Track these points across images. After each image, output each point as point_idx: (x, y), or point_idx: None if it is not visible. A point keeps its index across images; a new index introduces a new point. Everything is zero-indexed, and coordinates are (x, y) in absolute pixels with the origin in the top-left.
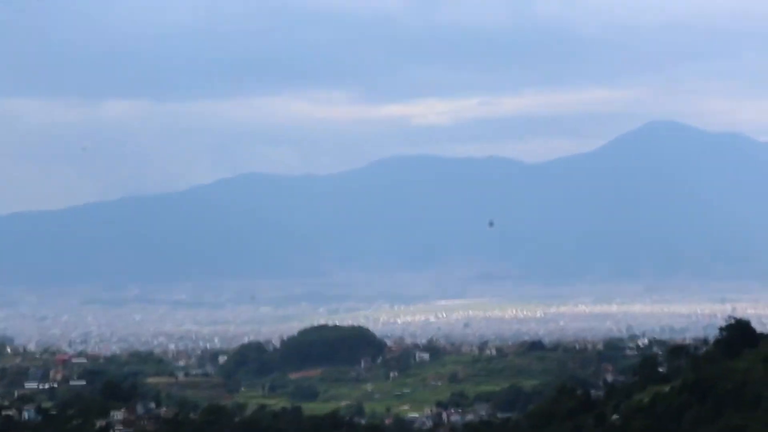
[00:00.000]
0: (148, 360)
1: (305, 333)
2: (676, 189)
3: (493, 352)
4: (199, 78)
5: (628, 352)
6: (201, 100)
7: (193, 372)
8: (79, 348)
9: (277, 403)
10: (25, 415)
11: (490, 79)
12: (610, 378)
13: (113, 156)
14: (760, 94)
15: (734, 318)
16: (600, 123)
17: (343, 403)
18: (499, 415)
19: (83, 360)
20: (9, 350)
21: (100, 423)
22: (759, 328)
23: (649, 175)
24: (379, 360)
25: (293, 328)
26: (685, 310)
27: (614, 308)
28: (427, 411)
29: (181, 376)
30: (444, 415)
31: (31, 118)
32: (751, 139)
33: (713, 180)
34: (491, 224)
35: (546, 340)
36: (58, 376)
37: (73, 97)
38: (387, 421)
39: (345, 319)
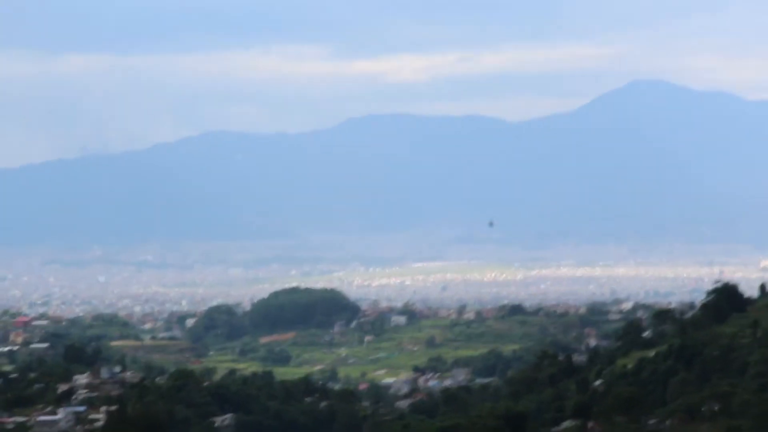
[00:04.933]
0: (113, 323)
1: (277, 296)
2: (661, 149)
3: (472, 316)
4: (163, 31)
5: (612, 316)
6: (164, 54)
7: (160, 335)
8: (41, 310)
9: (247, 368)
10: None
11: (469, 35)
12: (593, 343)
13: (72, 113)
14: (747, 51)
15: (721, 282)
16: (582, 81)
17: (317, 368)
18: (478, 380)
19: (45, 322)
20: None
21: (62, 387)
22: (747, 292)
23: (633, 135)
24: (354, 324)
25: (264, 290)
26: (671, 273)
27: (598, 271)
28: (404, 376)
29: (147, 339)
30: (421, 381)
31: None
32: (739, 98)
33: (700, 140)
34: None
35: (527, 304)
36: (19, 339)
37: (30, 50)
38: (362, 387)
39: (318, 281)
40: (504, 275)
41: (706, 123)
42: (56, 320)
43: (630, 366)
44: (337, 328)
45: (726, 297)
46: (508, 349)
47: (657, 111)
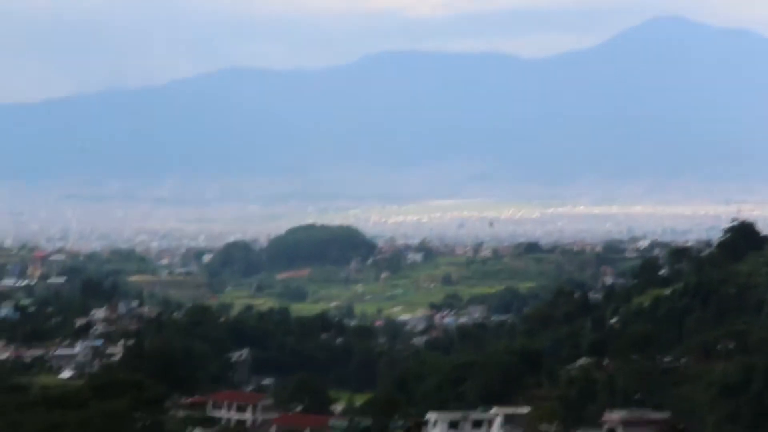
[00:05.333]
0: (130, 258)
1: (293, 232)
2: (679, 87)
3: (488, 253)
4: None
5: (628, 254)
6: None
7: (177, 271)
8: (58, 244)
9: (263, 304)
10: (3, 312)
11: None
12: (609, 281)
13: (91, 48)
14: None
15: (738, 220)
16: (601, 18)
17: (333, 304)
18: (494, 317)
19: (62, 257)
20: None
21: (80, 321)
22: (764, 230)
23: (651, 72)
24: (370, 261)
25: (281, 227)
26: (688, 211)
27: (614, 209)
28: (420, 313)
29: (164, 275)
30: (437, 317)
31: (3, 4)
32: (760, 36)
33: (719, 78)
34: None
35: (543, 242)
36: (36, 273)
37: None
38: (378, 323)
39: (334, 218)
40: (521, 213)
41: (726, 60)
42: (74, 255)
43: (646, 304)
44: (353, 265)
45: (743, 235)
46: (524, 286)
47: (675, 48)
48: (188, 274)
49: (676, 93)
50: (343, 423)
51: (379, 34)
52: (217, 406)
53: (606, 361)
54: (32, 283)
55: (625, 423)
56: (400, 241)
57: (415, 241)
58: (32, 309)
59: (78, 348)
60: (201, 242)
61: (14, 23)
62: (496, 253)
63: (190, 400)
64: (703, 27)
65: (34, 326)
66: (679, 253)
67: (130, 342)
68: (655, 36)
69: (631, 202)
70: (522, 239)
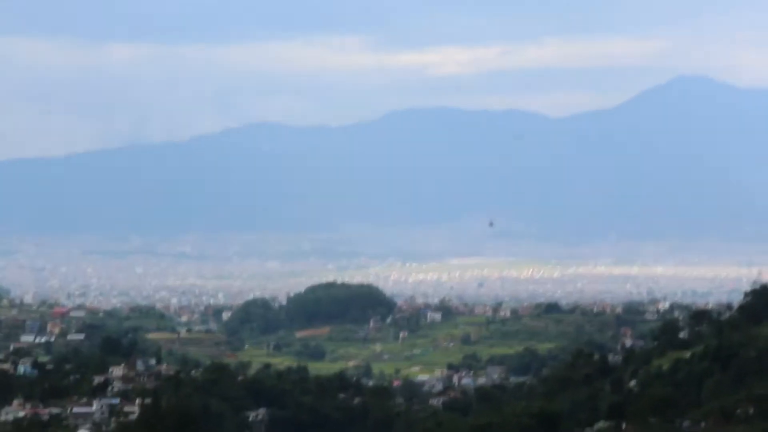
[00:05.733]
0: (150, 315)
1: (313, 290)
2: (703, 147)
3: (508, 313)
4: (207, 22)
5: (649, 316)
6: (207, 45)
7: (196, 328)
8: (78, 301)
9: (282, 362)
10: (21, 369)
11: (511, 28)
12: (628, 343)
13: (115, 102)
14: None
15: (760, 283)
16: (625, 77)
17: (351, 364)
18: (513, 379)
19: (82, 313)
20: (5, 302)
21: (98, 379)
22: None
23: (675, 132)
24: (389, 320)
25: (301, 284)
26: (709, 273)
27: (635, 270)
28: (438, 373)
29: (183, 332)
30: (455, 378)
31: (29, 59)
32: None
33: (743, 139)
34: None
35: (563, 302)
36: (56, 330)
37: (74, 39)
38: (396, 383)
39: (354, 276)
40: (541, 272)
41: (750, 121)
42: (93, 311)
43: (665, 367)
44: (372, 324)
45: (764, 298)
46: (543, 347)
47: (700, 108)
48: (207, 331)
49: (699, 153)
50: None
51: (403, 91)
52: None
53: (624, 425)
54: (51, 339)
55: None
56: (420, 300)
57: (435, 300)
58: (50, 366)
59: (95, 406)
60: (221, 299)
61: (38, 77)
62: (516, 313)
63: None
64: (727, 87)
65: (51, 383)
66: (699, 315)
67: (148, 400)
68: (679, 95)
69: (651, 262)
70: (542, 299)
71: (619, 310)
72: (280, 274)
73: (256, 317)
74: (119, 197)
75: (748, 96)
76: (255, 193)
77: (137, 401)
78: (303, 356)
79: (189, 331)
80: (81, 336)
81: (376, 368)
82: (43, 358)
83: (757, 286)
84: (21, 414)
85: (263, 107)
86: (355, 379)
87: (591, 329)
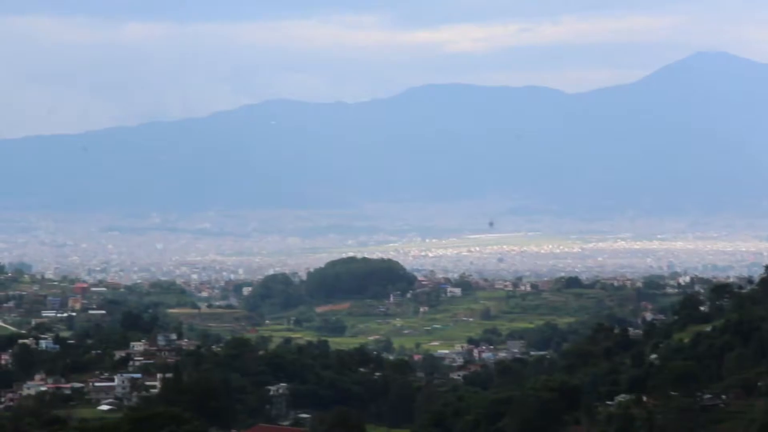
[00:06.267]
0: (170, 290)
1: (333, 265)
2: (722, 123)
3: (528, 288)
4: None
5: (669, 290)
6: (224, 23)
7: (216, 303)
8: (99, 276)
9: (302, 337)
10: (43, 344)
11: (529, 5)
12: (649, 317)
13: (133, 80)
14: None
15: None
16: (643, 53)
17: (371, 338)
18: (533, 353)
19: (103, 289)
20: (26, 277)
21: (119, 354)
22: None
23: (694, 108)
24: (409, 294)
25: (321, 260)
26: (730, 247)
27: (655, 245)
28: (458, 348)
29: (203, 307)
30: (475, 352)
31: (47, 38)
32: None
33: (763, 114)
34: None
35: (583, 277)
36: (77, 305)
37: (92, 18)
38: (416, 357)
39: (374, 251)
40: (561, 247)
41: None
42: (114, 287)
43: (686, 340)
44: (392, 299)
45: None
46: (563, 322)
47: (719, 84)
48: (228, 306)
49: (718, 128)
50: None
51: (421, 68)
52: None
53: (645, 398)
54: (72, 314)
55: None
56: (440, 275)
57: (455, 275)
58: (72, 341)
59: (117, 380)
60: (241, 275)
61: (56, 56)
62: (536, 288)
63: None
64: (747, 62)
65: (73, 358)
66: (720, 289)
67: (169, 375)
68: (699, 71)
69: (672, 237)
70: (562, 274)
71: (639, 284)
72: (300, 250)
73: (276, 292)
74: (138, 174)
75: (765, 71)
76: (274, 170)
77: (158, 376)
78: (323, 331)
79: (209, 306)
80: (102, 311)
81: (396, 343)
82: (65, 334)
83: None
84: (43, 388)
85: (281, 85)
86: (375, 353)
87: (611, 303)
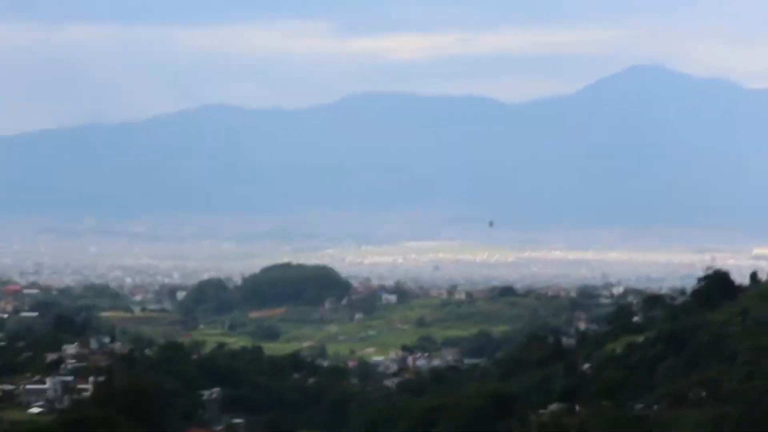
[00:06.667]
0: (104, 293)
1: (268, 271)
2: (658, 136)
3: (463, 296)
4: (164, 3)
5: (603, 300)
6: (164, 27)
7: (150, 307)
8: (31, 279)
9: (236, 342)
10: None
11: (468, 15)
12: (582, 326)
13: (71, 82)
14: (750, 39)
15: (713, 269)
16: (582, 65)
17: (306, 344)
18: (467, 361)
19: (35, 291)
20: None
21: (51, 357)
22: (738, 279)
23: (630, 120)
24: (344, 301)
25: (256, 265)
26: (663, 259)
27: (590, 255)
28: (393, 354)
29: (137, 311)
30: (410, 360)
31: None
32: (740, 87)
33: (697, 128)
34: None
35: (518, 286)
36: (9, 307)
37: (31, 19)
38: (351, 364)
39: (310, 258)
40: (496, 257)
41: (705, 110)
42: (47, 289)
43: (619, 350)
44: (327, 305)
45: (717, 284)
46: (497, 330)
47: (656, 97)
48: (161, 310)
49: (653, 141)
50: None
51: (359, 76)
52: None
53: (578, 407)
54: (4, 316)
55: None
56: (375, 282)
57: (390, 283)
58: (3, 343)
59: (48, 383)
60: (175, 279)
61: None
62: (471, 296)
63: None
64: (682, 76)
65: (4, 361)
66: (652, 300)
67: (101, 378)
68: (635, 84)
69: (606, 248)
70: (496, 283)
71: (573, 294)
72: (236, 255)
73: (210, 297)
74: (74, 176)
75: (702, 85)
76: (211, 175)
77: (91, 379)
78: (257, 336)
79: (143, 310)
80: (34, 314)
81: (331, 349)
82: None
83: (710, 272)
84: None
85: (220, 90)
86: (309, 359)
87: (545, 313)
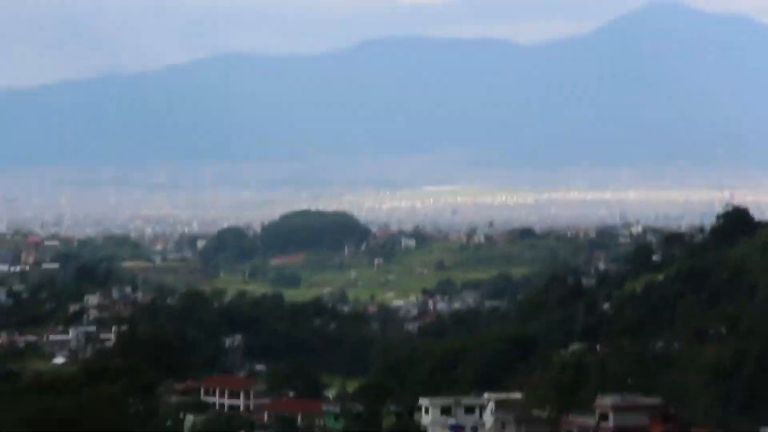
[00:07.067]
0: (124, 244)
1: (287, 218)
2: (675, 74)
3: (482, 239)
4: None
5: (622, 240)
6: None
7: (171, 257)
8: (52, 230)
9: (257, 290)
10: None
11: None
12: (602, 266)
13: (86, 33)
14: None
15: (732, 205)
16: (597, 3)
17: (326, 290)
18: (487, 303)
19: (56, 243)
20: None
21: (73, 307)
22: (757, 215)
23: (647, 58)
24: (364, 247)
25: (275, 213)
26: (682, 197)
27: (608, 195)
28: (413, 298)
29: (158, 260)
30: (430, 303)
31: None
32: (755, 21)
33: (714, 64)
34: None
35: (537, 228)
36: (30, 259)
37: None
38: (371, 309)
39: (329, 204)
40: (515, 199)
41: (721, 46)
42: (67, 241)
43: (639, 289)
44: (347, 251)
45: (735, 221)
46: (517, 272)
47: (671, 34)
48: (182, 260)
49: (670, 79)
50: (335, 408)
51: (375, 21)
52: (209, 391)
53: (598, 346)
54: (26, 269)
55: (617, 408)
56: (394, 227)
57: (409, 227)
58: (25, 295)
59: (71, 334)
60: (195, 228)
61: (8, 9)
62: (490, 239)
63: (182, 385)
64: (699, 13)
65: (27, 312)
66: (671, 238)
67: (124, 328)
68: (651, 22)
69: (624, 187)
70: (516, 225)
71: (592, 234)
72: (254, 203)
73: (230, 245)
74: (92, 128)
75: (719, 22)
76: (228, 123)
77: (113, 329)
78: (278, 283)
79: (164, 259)
80: (56, 265)
81: (351, 294)
82: (18, 287)
83: (729, 209)
84: None
85: (235, 38)
86: (330, 305)
87: (565, 254)
